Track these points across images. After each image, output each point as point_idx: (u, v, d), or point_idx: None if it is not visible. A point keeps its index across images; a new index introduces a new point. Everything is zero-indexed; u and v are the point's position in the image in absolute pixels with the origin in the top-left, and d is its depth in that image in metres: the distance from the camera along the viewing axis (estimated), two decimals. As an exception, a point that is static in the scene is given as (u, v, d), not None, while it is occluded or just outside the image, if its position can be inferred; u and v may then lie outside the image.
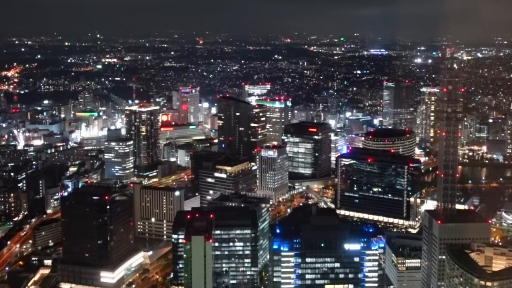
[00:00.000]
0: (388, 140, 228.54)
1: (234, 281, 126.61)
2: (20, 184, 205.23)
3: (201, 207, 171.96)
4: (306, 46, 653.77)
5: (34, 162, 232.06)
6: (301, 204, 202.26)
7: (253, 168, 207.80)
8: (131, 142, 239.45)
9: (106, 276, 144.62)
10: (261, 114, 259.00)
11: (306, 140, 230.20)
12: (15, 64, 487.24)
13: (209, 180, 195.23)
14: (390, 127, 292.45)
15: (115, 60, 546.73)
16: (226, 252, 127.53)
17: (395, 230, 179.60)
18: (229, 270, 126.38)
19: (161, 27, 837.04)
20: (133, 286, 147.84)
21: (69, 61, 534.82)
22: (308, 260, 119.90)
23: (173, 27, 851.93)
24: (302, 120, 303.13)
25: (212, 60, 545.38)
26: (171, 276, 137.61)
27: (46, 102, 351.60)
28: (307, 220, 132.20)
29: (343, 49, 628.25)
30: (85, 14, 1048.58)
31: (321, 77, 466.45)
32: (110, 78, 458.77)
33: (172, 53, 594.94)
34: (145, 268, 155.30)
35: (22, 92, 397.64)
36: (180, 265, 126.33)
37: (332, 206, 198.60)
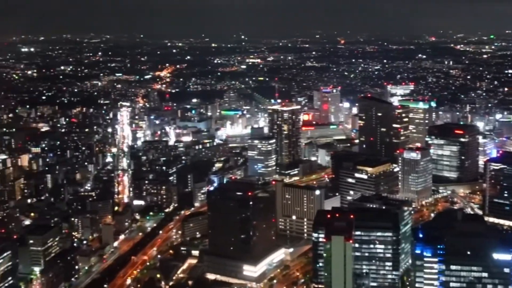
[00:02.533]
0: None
1: (374, 284, 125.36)
2: (171, 178, 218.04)
3: (341, 207, 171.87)
4: (452, 45, 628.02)
5: (183, 158, 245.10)
6: (445, 209, 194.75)
7: (395, 169, 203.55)
8: (273, 140, 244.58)
9: (249, 270, 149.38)
10: (403, 115, 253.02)
11: (451, 142, 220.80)
12: (167, 64, 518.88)
13: (350, 180, 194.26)
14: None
15: (258, 60, 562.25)
16: (366, 254, 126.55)
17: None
18: (370, 272, 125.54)
19: (303, 28, 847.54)
20: (274, 281, 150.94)
21: (215, 61, 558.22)
22: (452, 267, 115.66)
23: (314, 27, 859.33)
24: (447, 121, 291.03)
25: (353, 60, 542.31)
26: (311, 274, 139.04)
27: (194, 100, 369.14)
28: (452, 225, 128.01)
29: (493, 47, 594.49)
30: (231, 17, 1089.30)
31: (468, 77, 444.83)
32: (253, 78, 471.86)
33: (314, 53, 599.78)
34: (286, 265, 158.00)
35: (173, 91, 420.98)
36: (320, 264, 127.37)
37: (480, 212, 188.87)
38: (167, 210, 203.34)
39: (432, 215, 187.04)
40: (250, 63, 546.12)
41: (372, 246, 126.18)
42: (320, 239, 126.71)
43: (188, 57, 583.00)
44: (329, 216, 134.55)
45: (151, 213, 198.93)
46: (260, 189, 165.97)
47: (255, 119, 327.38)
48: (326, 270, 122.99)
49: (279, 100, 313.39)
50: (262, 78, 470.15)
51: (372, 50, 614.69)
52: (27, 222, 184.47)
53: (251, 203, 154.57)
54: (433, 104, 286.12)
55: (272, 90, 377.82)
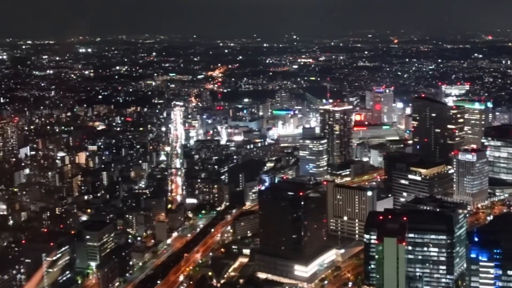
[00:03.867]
0: None
1: (428, 287, 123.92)
2: (222, 177, 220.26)
3: (394, 209, 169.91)
4: (510, 44, 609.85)
5: (235, 157, 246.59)
6: (502, 213, 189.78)
7: (450, 171, 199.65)
8: (325, 140, 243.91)
9: (300, 270, 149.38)
10: (459, 116, 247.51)
11: (509, 144, 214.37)
12: (219, 64, 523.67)
13: (403, 181, 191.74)
14: None
15: (310, 60, 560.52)
16: (419, 257, 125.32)
17: None
18: (423, 275, 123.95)
19: (355, 27, 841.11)
20: (325, 282, 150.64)
21: (267, 61, 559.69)
22: (510, 272, 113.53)
23: (367, 26, 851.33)
24: (504, 122, 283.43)
25: (407, 60, 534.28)
26: (363, 276, 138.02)
27: (246, 100, 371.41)
28: (509, 229, 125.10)
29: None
30: (283, 17, 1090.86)
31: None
32: (305, 78, 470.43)
33: (366, 52, 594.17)
34: (337, 266, 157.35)
35: (225, 90, 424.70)
36: (372, 266, 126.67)
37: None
38: (218, 208, 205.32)
39: (489, 218, 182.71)
40: (301, 63, 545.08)
41: (425, 249, 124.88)
42: (372, 241, 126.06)
43: (240, 57, 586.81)
44: (381, 217, 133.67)
45: (203, 211, 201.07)
46: (312, 189, 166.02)
47: (306, 119, 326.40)
48: (378, 272, 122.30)
49: (330, 100, 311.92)
50: (313, 78, 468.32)
51: (426, 49, 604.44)
52: (84, 218, 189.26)
53: (302, 203, 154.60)
54: (489, 104, 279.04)
55: (323, 90, 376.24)
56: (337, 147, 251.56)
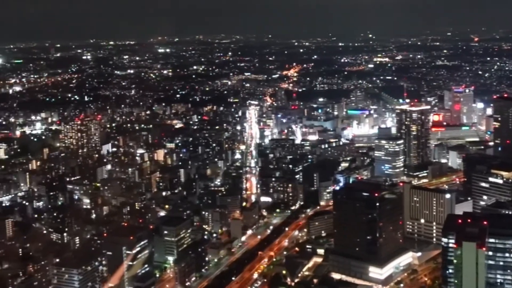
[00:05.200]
0: None
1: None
2: (297, 176, 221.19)
3: (474, 212, 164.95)
4: None
5: (309, 156, 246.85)
6: None
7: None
8: (401, 141, 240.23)
9: (375, 272, 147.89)
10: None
11: None
12: (294, 64, 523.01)
13: (483, 184, 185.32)
14: None
15: (386, 59, 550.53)
16: (501, 263, 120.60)
17: None
18: (504, 282, 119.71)
19: (433, 25, 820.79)
20: (401, 285, 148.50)
21: (342, 60, 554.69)
22: None
23: (446, 24, 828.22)
24: None
25: (488, 58, 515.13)
26: (441, 280, 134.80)
27: (321, 99, 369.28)
28: None
29: None
30: (359, 16, 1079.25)
31: None
32: (381, 77, 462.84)
33: (445, 51, 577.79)
34: (414, 269, 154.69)
35: (300, 90, 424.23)
36: (450, 270, 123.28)
37: None
38: (293, 207, 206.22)
39: None
40: (377, 62, 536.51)
41: (507, 255, 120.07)
42: (450, 245, 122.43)
43: (315, 56, 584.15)
44: (460, 221, 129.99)
45: (277, 210, 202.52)
46: (387, 190, 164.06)
47: (382, 119, 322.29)
48: (457, 278, 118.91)
49: (407, 100, 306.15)
50: (390, 77, 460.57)
51: (509, 47, 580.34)
52: (162, 213, 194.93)
53: (377, 204, 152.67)
54: None
55: (400, 90, 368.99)
56: (414, 148, 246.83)
